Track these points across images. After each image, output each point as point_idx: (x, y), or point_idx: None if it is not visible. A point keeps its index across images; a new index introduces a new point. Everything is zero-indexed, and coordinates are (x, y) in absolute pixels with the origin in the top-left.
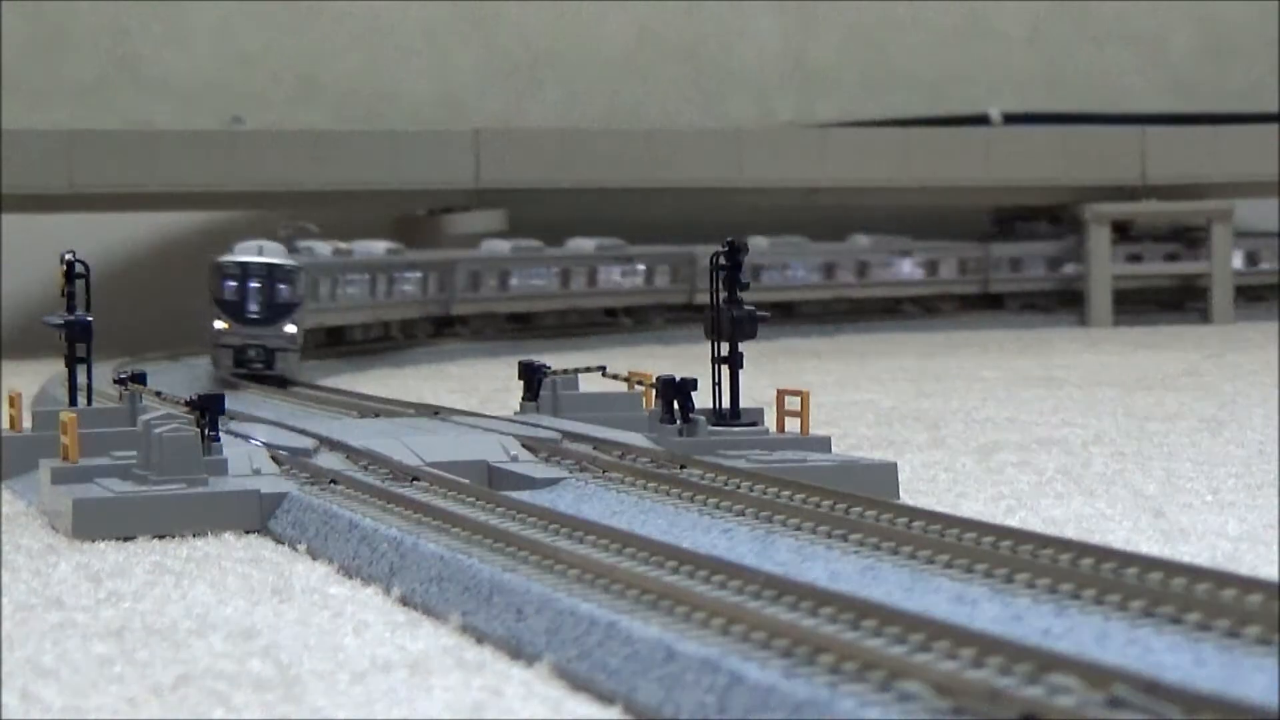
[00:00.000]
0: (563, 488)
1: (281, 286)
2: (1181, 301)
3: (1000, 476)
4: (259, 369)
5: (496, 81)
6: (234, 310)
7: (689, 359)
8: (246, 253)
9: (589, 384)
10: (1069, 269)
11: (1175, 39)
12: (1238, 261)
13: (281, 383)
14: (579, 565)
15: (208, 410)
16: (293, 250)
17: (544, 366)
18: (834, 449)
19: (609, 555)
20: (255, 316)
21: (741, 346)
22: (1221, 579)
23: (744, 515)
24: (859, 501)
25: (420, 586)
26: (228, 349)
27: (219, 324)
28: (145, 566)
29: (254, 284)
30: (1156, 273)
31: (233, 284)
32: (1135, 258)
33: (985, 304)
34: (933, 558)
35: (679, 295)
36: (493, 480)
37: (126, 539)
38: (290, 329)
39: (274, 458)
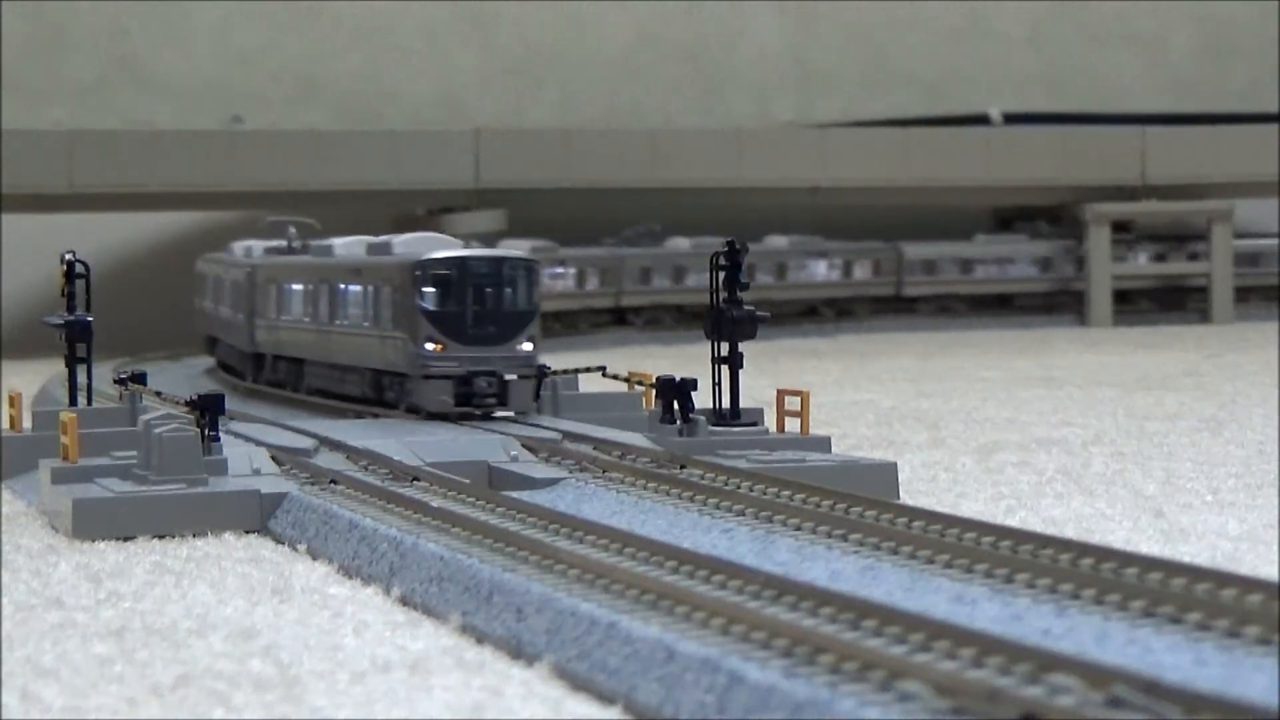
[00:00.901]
0: (562, 488)
1: (514, 290)
2: (1182, 301)
3: (1000, 476)
4: (491, 405)
5: (496, 81)
6: (451, 325)
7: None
8: (441, 246)
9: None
10: (982, 272)
11: (1175, 39)
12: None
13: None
14: (579, 565)
15: (208, 410)
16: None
17: (544, 367)
18: (834, 449)
19: (609, 555)
20: (484, 332)
21: (741, 346)
22: (1221, 579)
23: (744, 515)
24: (859, 501)
25: (420, 586)
26: (444, 381)
27: (429, 345)
28: (145, 566)
29: (480, 288)
30: (1151, 273)
31: (443, 289)
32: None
33: (898, 307)
34: (933, 558)
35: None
36: (493, 480)
37: (126, 539)
38: (527, 347)
39: (274, 458)
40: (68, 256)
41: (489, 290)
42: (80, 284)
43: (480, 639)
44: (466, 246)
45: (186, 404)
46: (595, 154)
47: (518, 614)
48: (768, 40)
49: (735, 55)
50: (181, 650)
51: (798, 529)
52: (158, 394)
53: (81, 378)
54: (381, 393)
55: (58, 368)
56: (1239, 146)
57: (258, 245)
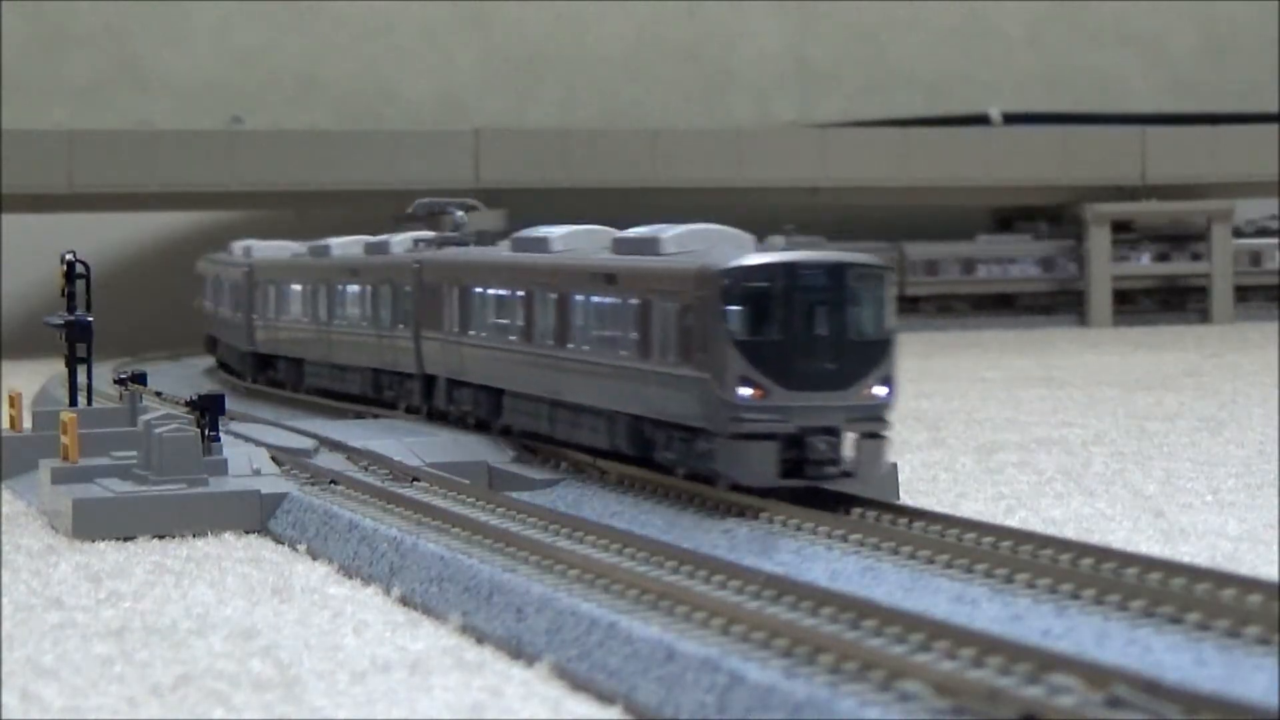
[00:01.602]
0: (563, 488)
1: (861, 309)
2: (1183, 301)
3: (1000, 476)
4: (831, 474)
5: (496, 81)
6: (775, 361)
7: None
8: (737, 245)
9: None
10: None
11: (1175, 39)
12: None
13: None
14: (579, 565)
15: (208, 410)
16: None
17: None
18: None
19: (609, 555)
20: (821, 371)
21: None
22: (1221, 579)
23: (743, 516)
24: (859, 502)
25: (420, 586)
26: (765, 442)
27: (745, 391)
28: (145, 566)
29: (814, 307)
30: (1151, 273)
31: (761, 309)
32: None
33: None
34: (933, 558)
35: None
36: (493, 481)
37: (126, 539)
38: (880, 391)
39: (274, 458)
40: (68, 256)
41: (828, 310)
42: (80, 284)
43: (480, 639)
44: (766, 247)
45: (187, 404)
46: (595, 154)
47: (518, 614)
48: (768, 40)
49: (735, 55)
50: (181, 650)
51: (798, 529)
52: (158, 394)
53: (81, 378)
54: (645, 448)
55: (58, 368)
56: (1239, 146)
57: (407, 237)
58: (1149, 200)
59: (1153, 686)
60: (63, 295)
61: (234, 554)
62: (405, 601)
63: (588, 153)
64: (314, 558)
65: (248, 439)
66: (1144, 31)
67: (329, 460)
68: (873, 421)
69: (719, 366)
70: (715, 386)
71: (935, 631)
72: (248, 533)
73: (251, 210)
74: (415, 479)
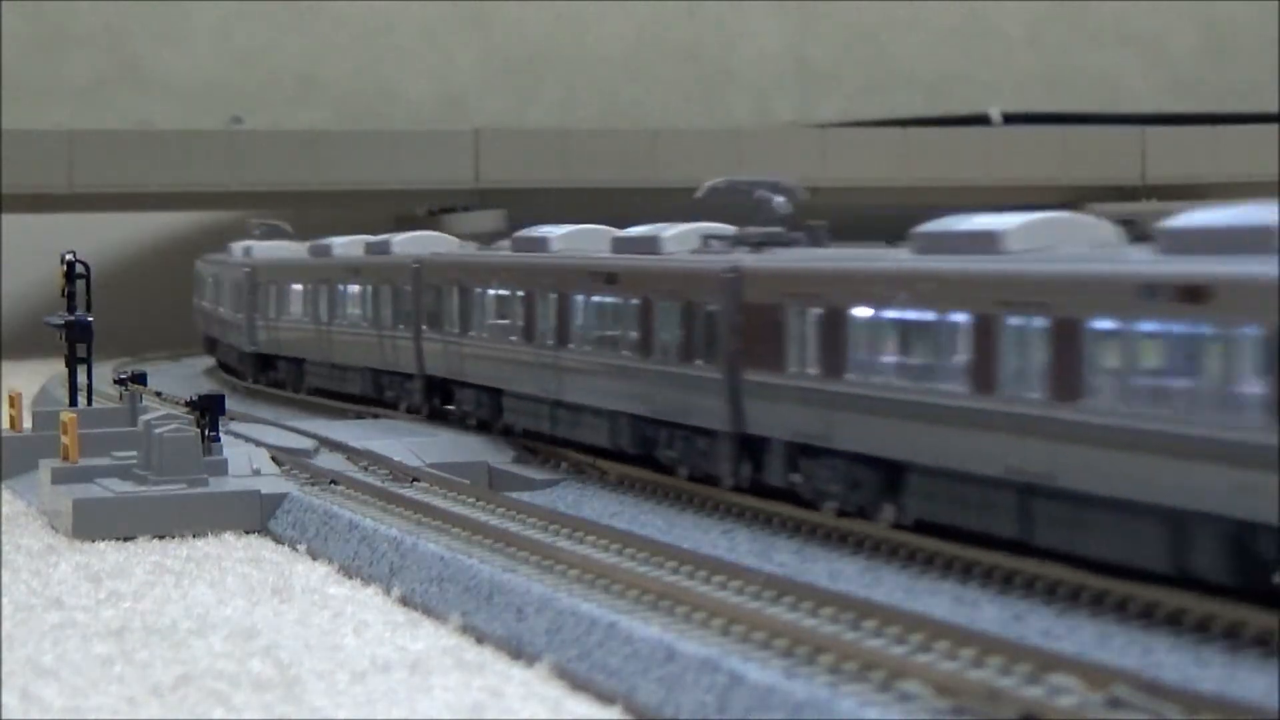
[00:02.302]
0: (562, 488)
1: None
2: None
3: None
4: None
5: (496, 81)
6: None
7: None
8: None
9: None
10: None
11: (1175, 39)
12: None
13: None
14: (579, 565)
15: (208, 410)
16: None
17: None
18: None
19: (609, 555)
20: None
21: None
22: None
23: (743, 516)
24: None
25: (420, 587)
26: None
27: None
28: (145, 566)
29: None
30: None
31: None
32: None
33: None
34: (933, 558)
35: None
36: (493, 481)
37: (126, 539)
38: None
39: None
40: (68, 256)
41: None
42: (80, 284)
43: (480, 639)
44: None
45: (187, 404)
46: (595, 154)
47: (518, 614)
48: (768, 40)
49: (735, 55)
50: (181, 650)
51: (797, 529)
52: (158, 394)
53: (81, 378)
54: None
55: (58, 368)
56: (1239, 146)
57: (696, 230)
58: (1149, 200)
59: (1153, 687)
60: (63, 295)
61: (234, 554)
62: (405, 601)
63: (588, 153)
64: (314, 558)
65: (248, 439)
66: (1144, 31)
67: (329, 460)
68: None
69: None
70: None
71: (935, 632)
72: (248, 533)
73: (251, 210)
74: (415, 479)
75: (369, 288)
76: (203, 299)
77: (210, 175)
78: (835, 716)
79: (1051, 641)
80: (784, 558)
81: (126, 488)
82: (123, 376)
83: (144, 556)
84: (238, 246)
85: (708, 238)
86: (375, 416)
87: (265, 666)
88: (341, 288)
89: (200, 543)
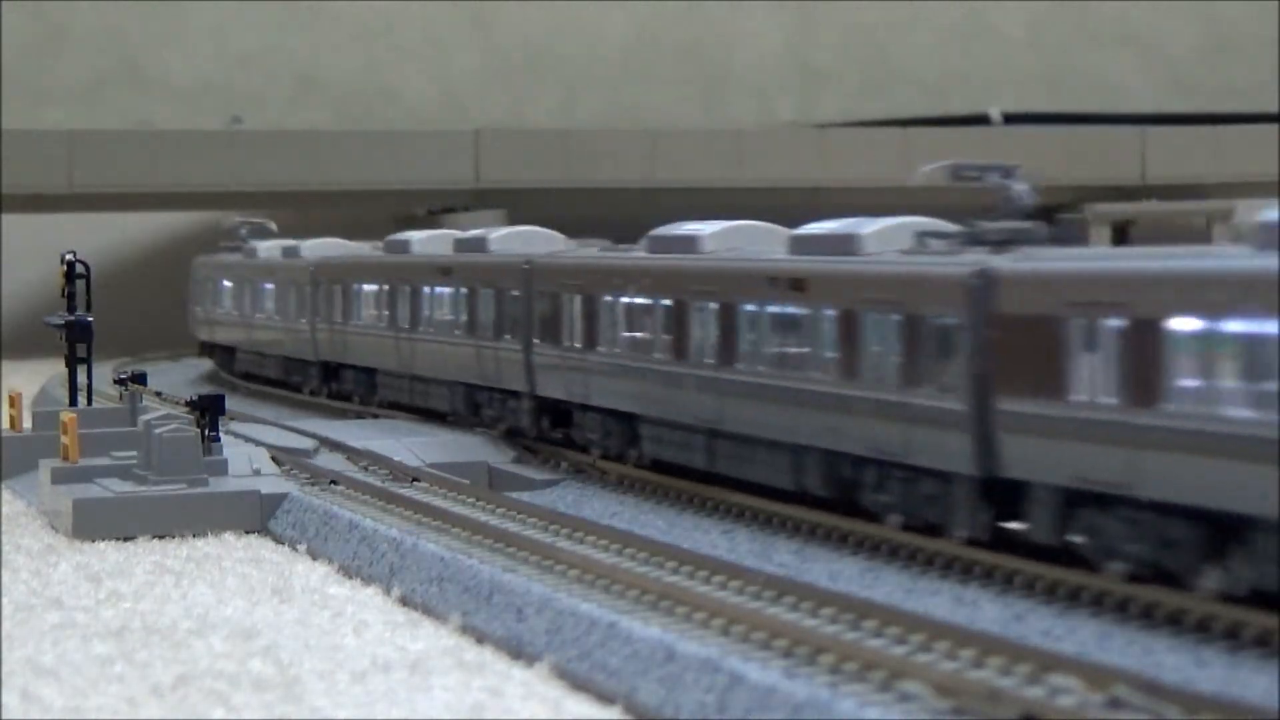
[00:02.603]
0: (562, 488)
1: None
2: None
3: None
4: None
5: (496, 81)
6: None
7: None
8: None
9: None
10: None
11: (1175, 39)
12: None
13: None
14: (579, 566)
15: (208, 410)
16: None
17: None
18: None
19: (609, 555)
20: None
21: None
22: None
23: (744, 516)
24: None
25: (420, 587)
26: None
27: None
28: (145, 566)
29: None
30: None
31: None
32: None
33: None
34: (933, 558)
35: None
36: (493, 481)
37: (126, 539)
38: None
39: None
40: (68, 256)
41: None
42: (80, 284)
43: (480, 639)
44: None
45: (186, 404)
46: (595, 154)
47: (518, 614)
48: (768, 40)
49: (735, 55)
50: (181, 650)
51: (797, 529)
52: (158, 394)
53: (81, 378)
54: None
55: (58, 368)
56: (1239, 146)
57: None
58: (1149, 200)
59: (1153, 687)
60: (63, 295)
61: (234, 554)
62: (405, 602)
63: (588, 153)
64: (314, 558)
65: (248, 439)
66: (1144, 31)
67: (329, 460)
68: None
69: None
70: None
71: (936, 632)
72: (248, 533)
73: (251, 210)
74: (415, 479)
75: (463, 290)
76: (215, 303)
77: (210, 175)
78: (835, 717)
79: (1052, 642)
80: (784, 558)
81: (126, 488)
82: (123, 376)
83: (144, 556)
84: (264, 246)
85: (923, 234)
86: (375, 417)
87: (265, 666)
88: (428, 290)
89: (200, 543)
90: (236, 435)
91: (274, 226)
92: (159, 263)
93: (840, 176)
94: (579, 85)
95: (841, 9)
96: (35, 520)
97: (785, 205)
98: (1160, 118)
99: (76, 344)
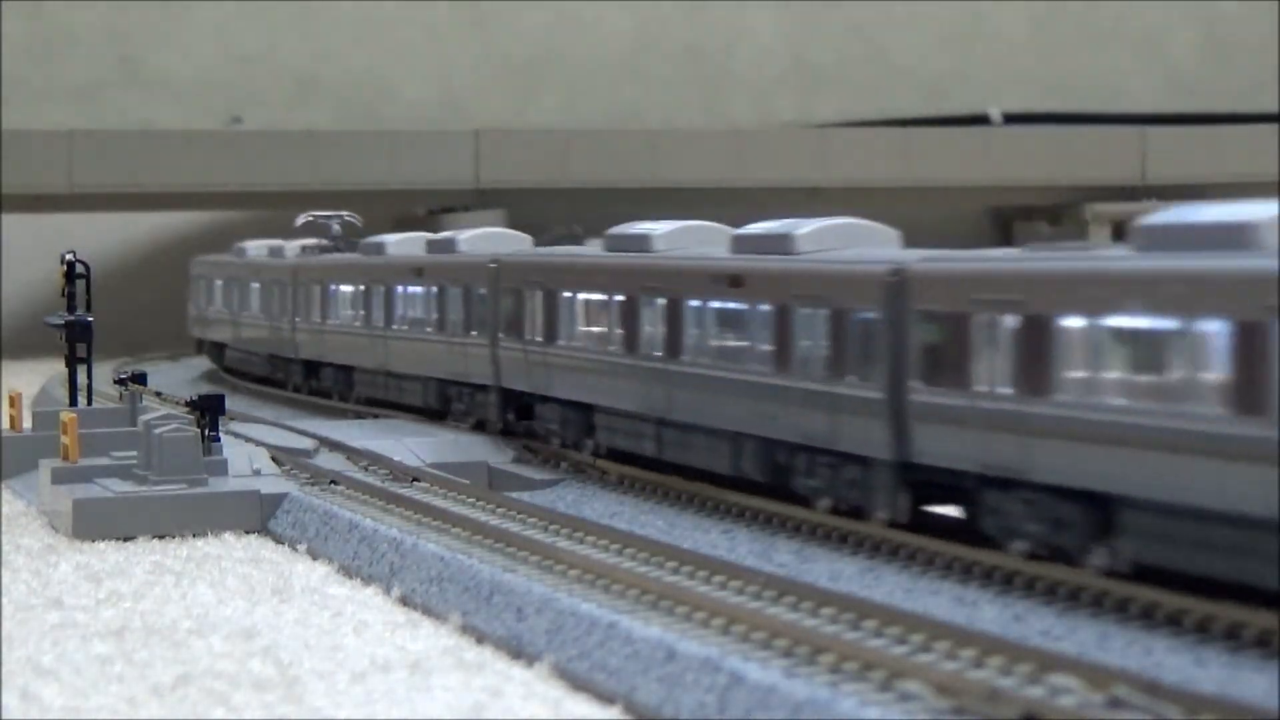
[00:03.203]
0: (563, 488)
1: None
2: None
3: None
4: None
5: (496, 81)
6: None
7: None
8: None
9: None
10: None
11: (1175, 39)
12: None
13: None
14: (579, 565)
15: (208, 410)
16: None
17: None
18: None
19: (609, 555)
20: None
21: None
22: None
23: (744, 516)
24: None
25: (420, 587)
26: None
27: None
28: (145, 566)
29: None
30: None
31: None
32: None
33: None
34: (933, 558)
35: None
36: (493, 481)
37: (126, 539)
38: None
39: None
40: (68, 256)
41: None
42: (80, 284)
43: (480, 639)
44: None
45: (186, 404)
46: (595, 154)
47: (518, 614)
48: (768, 40)
49: (735, 55)
50: (181, 650)
51: (797, 529)
52: (158, 394)
53: (81, 378)
54: None
55: (58, 368)
56: (1239, 146)
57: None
58: (1149, 200)
59: (1153, 687)
60: (63, 295)
61: (234, 554)
62: (405, 601)
63: (588, 153)
64: (314, 558)
65: (248, 439)
66: (1144, 31)
67: (329, 460)
68: None
69: None
70: None
71: (936, 632)
72: (248, 533)
73: (252, 210)
74: (415, 479)
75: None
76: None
77: (210, 175)
78: (835, 716)
79: (1052, 642)
80: (784, 558)
81: (126, 488)
82: (123, 376)
83: (144, 556)
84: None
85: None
86: (375, 417)
87: (265, 666)
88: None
89: (200, 543)
90: (236, 435)
91: (359, 222)
92: (159, 263)
93: (840, 177)
94: (579, 86)
95: (841, 9)
96: (35, 520)
97: (785, 205)
98: (1160, 118)
99: (76, 344)
